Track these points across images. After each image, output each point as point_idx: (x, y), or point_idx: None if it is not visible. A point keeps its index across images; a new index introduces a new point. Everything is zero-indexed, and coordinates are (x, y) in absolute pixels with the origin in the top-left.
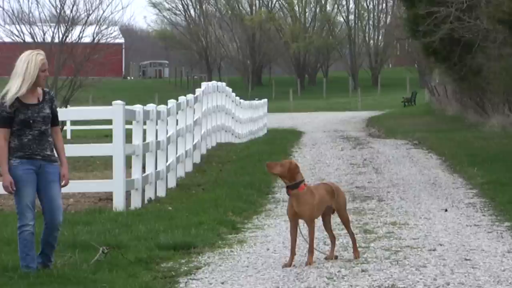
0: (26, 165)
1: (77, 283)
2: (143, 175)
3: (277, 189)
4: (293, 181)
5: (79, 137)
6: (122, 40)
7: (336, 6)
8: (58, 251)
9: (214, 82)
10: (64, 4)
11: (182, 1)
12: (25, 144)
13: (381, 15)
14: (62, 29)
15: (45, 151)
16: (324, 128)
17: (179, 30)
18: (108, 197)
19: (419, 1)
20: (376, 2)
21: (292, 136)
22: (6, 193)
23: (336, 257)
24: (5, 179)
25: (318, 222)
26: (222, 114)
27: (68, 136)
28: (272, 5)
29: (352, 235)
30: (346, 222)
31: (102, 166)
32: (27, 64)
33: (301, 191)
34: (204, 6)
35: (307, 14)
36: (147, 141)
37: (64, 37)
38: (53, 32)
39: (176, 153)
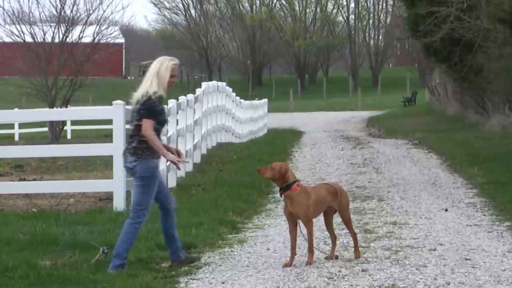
0: (158, 169)
1: (77, 283)
2: None
3: (277, 189)
4: (284, 183)
5: (80, 137)
6: (122, 40)
7: (336, 5)
8: (58, 251)
9: (214, 82)
10: (64, 4)
11: (183, 1)
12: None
13: (382, 15)
14: (62, 29)
15: None
16: (324, 128)
17: (180, 30)
18: (109, 197)
19: (420, 0)
20: (376, 2)
21: (293, 136)
22: (6, 193)
23: (336, 257)
24: (172, 156)
25: (319, 221)
26: (223, 114)
27: (68, 136)
28: (273, 5)
29: (354, 235)
30: (348, 222)
31: (102, 166)
32: (159, 66)
33: (293, 192)
34: (204, 6)
35: (307, 13)
36: None
37: (64, 37)
38: (53, 32)
39: None
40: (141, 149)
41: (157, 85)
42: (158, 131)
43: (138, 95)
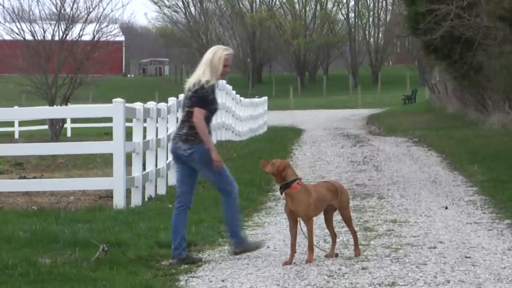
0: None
1: (77, 281)
2: (143, 173)
3: (277, 187)
4: (284, 181)
5: (80, 135)
6: (122, 38)
7: (336, 3)
8: (58, 249)
9: None
10: (64, 2)
11: None
12: (211, 131)
13: (381, 13)
14: (62, 27)
15: None
16: (324, 125)
17: (180, 28)
18: (109, 195)
19: None
20: (376, 0)
21: (293, 134)
22: (6, 191)
23: (336, 255)
24: (218, 155)
25: (319, 219)
26: (223, 112)
27: (68, 134)
28: (273, 3)
29: (354, 233)
30: (348, 220)
31: (102, 164)
32: (213, 55)
33: (293, 190)
34: (204, 4)
35: (307, 11)
36: (147, 139)
37: (64, 35)
38: (53, 30)
39: None
40: (192, 135)
41: (210, 74)
42: (209, 119)
43: (190, 82)
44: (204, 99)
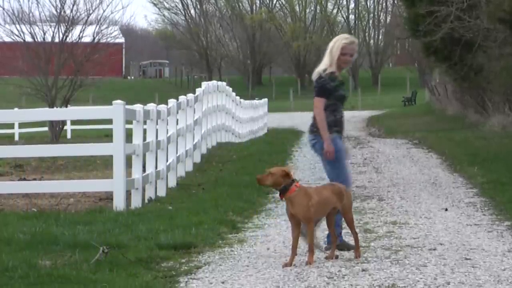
0: (341, 140)
1: (78, 283)
2: (143, 174)
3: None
4: (280, 187)
5: (80, 137)
6: (122, 40)
7: (336, 5)
8: (58, 251)
9: (214, 82)
10: (64, 4)
11: (182, 1)
12: (338, 120)
13: (381, 15)
14: (62, 28)
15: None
16: None
17: (180, 30)
18: (109, 196)
19: (420, 0)
20: (376, 2)
21: (293, 136)
22: (6, 192)
23: (336, 257)
24: (330, 146)
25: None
26: (223, 113)
27: (68, 136)
28: (273, 5)
29: (355, 235)
30: (350, 223)
31: (102, 165)
32: (333, 44)
33: (291, 193)
34: (204, 6)
35: (307, 13)
36: (147, 140)
37: (64, 37)
38: (53, 32)
39: (177, 153)
40: (315, 126)
41: (329, 62)
42: (336, 107)
43: (315, 73)
44: (323, 88)
